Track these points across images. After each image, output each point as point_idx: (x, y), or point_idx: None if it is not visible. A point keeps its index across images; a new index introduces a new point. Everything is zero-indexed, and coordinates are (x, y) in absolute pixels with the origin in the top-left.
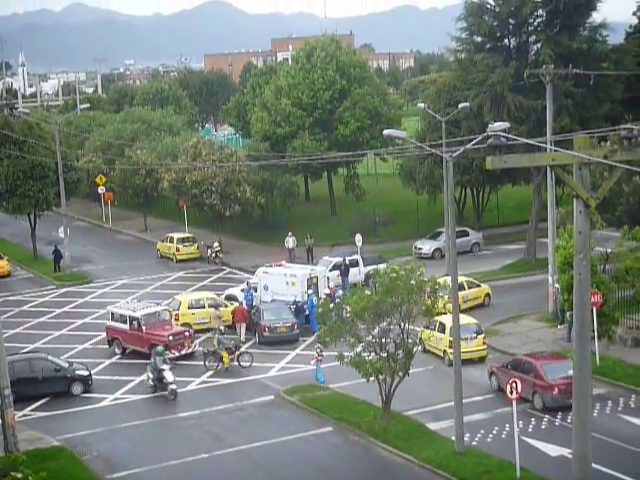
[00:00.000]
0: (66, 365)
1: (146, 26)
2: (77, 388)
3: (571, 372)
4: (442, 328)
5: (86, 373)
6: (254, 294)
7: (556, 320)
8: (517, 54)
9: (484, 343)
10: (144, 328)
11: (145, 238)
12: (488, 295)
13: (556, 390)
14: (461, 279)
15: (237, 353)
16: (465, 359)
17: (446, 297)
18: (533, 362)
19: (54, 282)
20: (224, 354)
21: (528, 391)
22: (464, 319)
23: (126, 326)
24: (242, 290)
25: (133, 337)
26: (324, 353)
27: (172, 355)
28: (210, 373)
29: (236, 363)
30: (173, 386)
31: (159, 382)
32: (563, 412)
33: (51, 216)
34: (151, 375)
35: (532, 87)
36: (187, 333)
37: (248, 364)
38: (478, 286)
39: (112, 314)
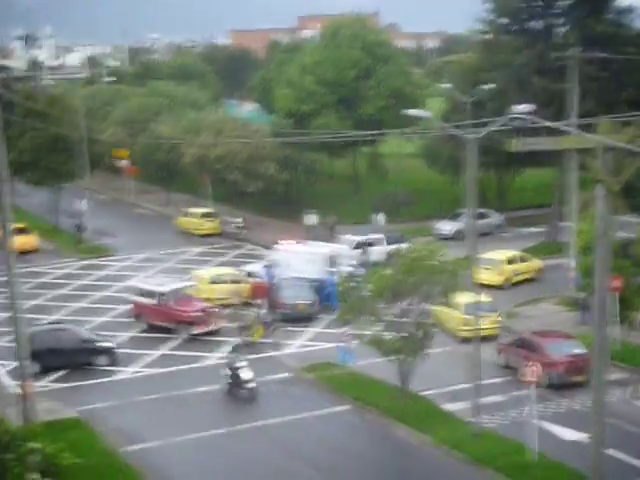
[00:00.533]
0: (92, 337)
1: (173, 0)
2: (102, 360)
3: (576, 350)
4: (455, 306)
5: (111, 345)
6: (275, 271)
7: (576, 304)
8: (543, 37)
9: (497, 322)
10: (170, 304)
11: (167, 212)
12: (540, 270)
13: (561, 368)
14: (514, 253)
15: (272, 328)
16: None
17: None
18: (539, 340)
19: (75, 255)
20: (259, 328)
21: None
22: (477, 297)
23: (153, 301)
24: (264, 267)
25: (159, 312)
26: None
27: (198, 331)
28: (229, 348)
29: (269, 340)
30: (251, 384)
31: (235, 380)
32: (568, 390)
33: (73, 189)
34: (228, 373)
35: (557, 70)
36: (213, 309)
37: (282, 340)
38: (530, 260)
39: (138, 289)
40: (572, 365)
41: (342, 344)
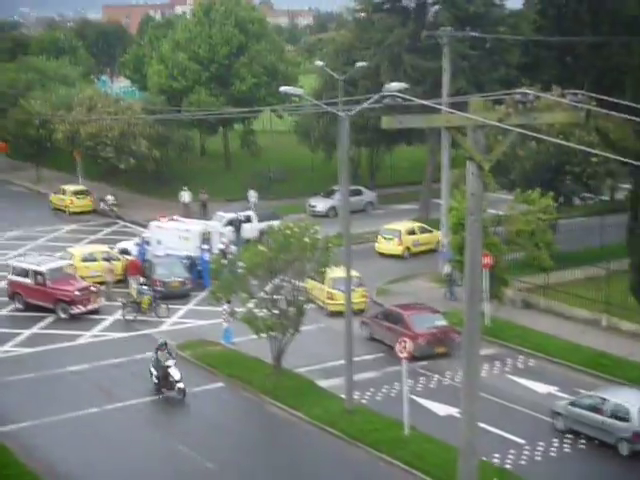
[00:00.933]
0: None
1: None
2: None
3: (438, 323)
4: (322, 279)
5: None
6: (147, 248)
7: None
8: (415, 15)
9: (364, 296)
10: (49, 283)
11: (38, 190)
12: (439, 241)
13: (422, 339)
14: (413, 225)
15: (153, 305)
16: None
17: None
18: (401, 312)
19: None
20: (145, 299)
21: (395, 340)
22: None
23: (29, 280)
24: (136, 244)
25: (37, 292)
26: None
27: (78, 310)
28: (101, 327)
29: (153, 314)
30: (181, 384)
31: (164, 380)
32: (427, 360)
33: None
34: (155, 372)
35: (429, 49)
36: (93, 288)
37: (165, 315)
38: (430, 232)
39: (14, 268)
40: (434, 337)
41: (226, 323)
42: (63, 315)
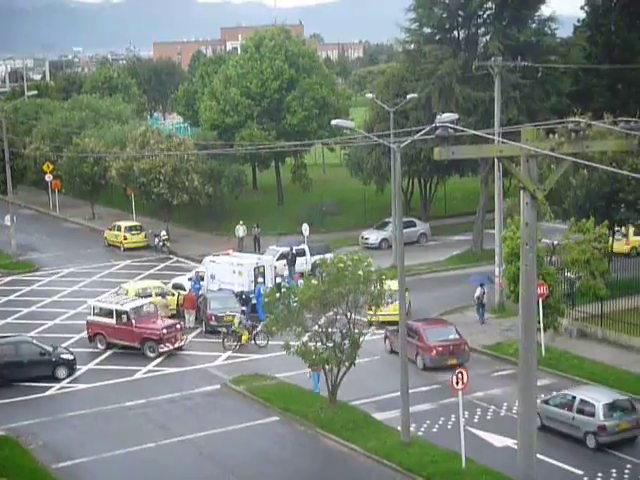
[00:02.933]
0: (51, 349)
1: (95, 12)
2: (62, 372)
3: (451, 336)
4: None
5: (71, 357)
6: (202, 283)
7: (502, 311)
8: (466, 46)
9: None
10: (134, 322)
11: (92, 226)
12: None
13: (434, 352)
14: None
15: (254, 332)
16: (382, 321)
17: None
18: (416, 326)
19: (0, 270)
20: (244, 332)
21: (412, 352)
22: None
23: (112, 320)
24: (190, 279)
25: (122, 332)
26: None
27: (166, 349)
28: (156, 362)
29: (252, 342)
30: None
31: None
32: (440, 372)
33: None
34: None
35: (480, 79)
36: (178, 325)
37: (264, 342)
38: None
39: (94, 308)
40: (445, 349)
41: (314, 371)
42: (151, 354)
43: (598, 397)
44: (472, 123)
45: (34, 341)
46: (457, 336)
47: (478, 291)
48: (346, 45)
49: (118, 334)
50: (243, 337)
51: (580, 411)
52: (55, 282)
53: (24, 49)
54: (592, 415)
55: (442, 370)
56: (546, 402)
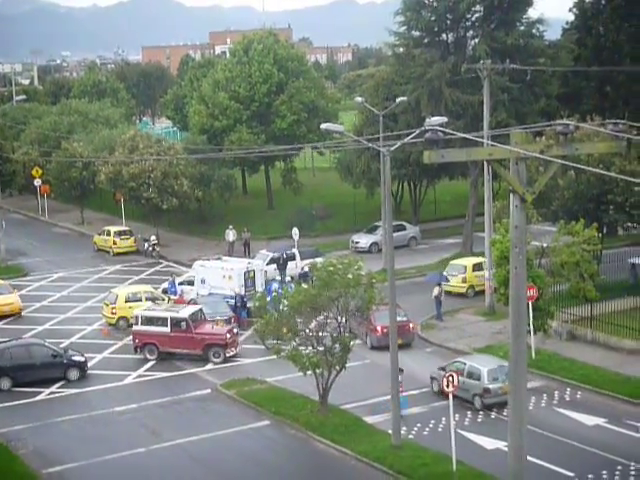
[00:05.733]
0: (62, 351)
1: (83, 17)
2: (73, 373)
3: (397, 318)
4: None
5: (82, 359)
6: (178, 287)
7: (493, 314)
8: (455, 49)
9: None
10: (194, 329)
11: (82, 231)
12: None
13: (379, 332)
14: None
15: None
16: None
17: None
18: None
19: None
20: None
21: (363, 334)
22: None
23: (166, 329)
24: (168, 282)
25: (179, 339)
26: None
27: (231, 353)
28: (147, 366)
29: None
30: None
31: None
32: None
33: None
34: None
35: (469, 82)
36: (235, 330)
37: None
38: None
39: (141, 318)
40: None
41: (402, 393)
42: (216, 360)
43: (484, 363)
44: (461, 126)
45: (46, 343)
46: (404, 318)
47: (436, 290)
48: (335, 49)
49: (174, 342)
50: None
51: (469, 376)
52: (45, 287)
53: (12, 54)
54: (478, 379)
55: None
56: (443, 369)
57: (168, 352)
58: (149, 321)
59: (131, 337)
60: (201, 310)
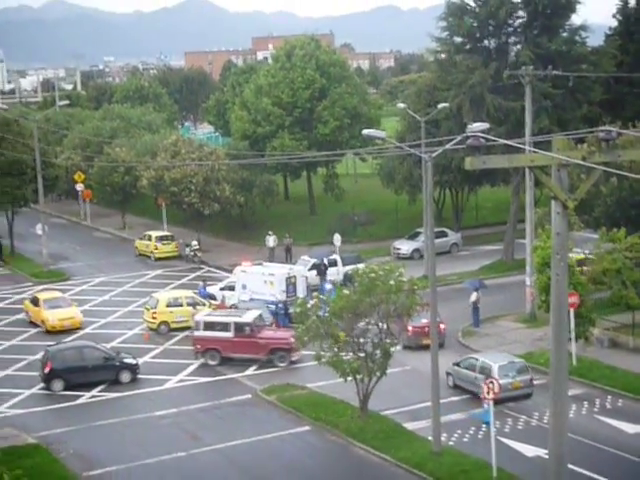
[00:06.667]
0: (114, 354)
1: (126, 23)
2: (126, 376)
3: (424, 320)
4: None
5: (134, 362)
6: (208, 292)
7: (533, 321)
8: (497, 55)
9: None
10: (259, 333)
11: (123, 236)
12: None
13: (410, 333)
14: None
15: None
16: None
17: None
18: None
19: (32, 279)
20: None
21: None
22: None
23: (229, 334)
24: (200, 287)
25: (244, 344)
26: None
27: (296, 357)
28: (187, 371)
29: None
30: None
31: None
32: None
33: (29, 213)
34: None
35: (511, 88)
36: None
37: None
38: None
39: (202, 323)
40: (421, 330)
41: (486, 405)
42: (281, 364)
43: (495, 359)
44: (503, 132)
45: (98, 346)
46: (428, 320)
47: (474, 296)
48: (377, 55)
49: (238, 347)
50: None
51: (481, 371)
52: (86, 291)
53: (56, 59)
54: (489, 375)
55: (420, 349)
56: (457, 365)
57: (230, 357)
58: (211, 326)
59: (192, 343)
60: (261, 315)
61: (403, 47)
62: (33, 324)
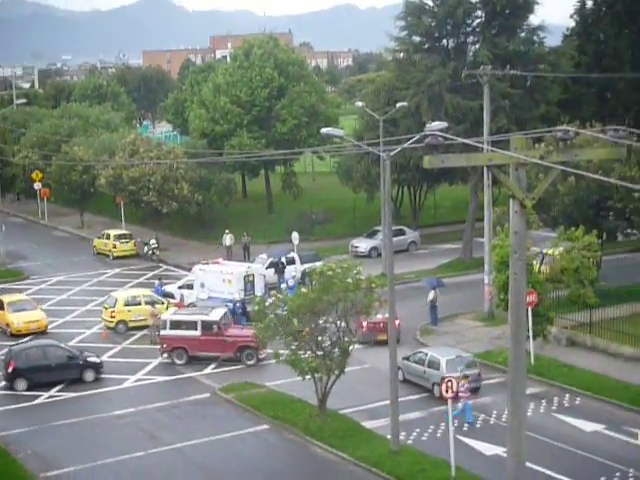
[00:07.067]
0: (78, 353)
1: (84, 21)
2: (89, 375)
3: (379, 316)
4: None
5: (98, 360)
6: (162, 290)
7: (491, 319)
8: (455, 55)
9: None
10: (225, 332)
11: (81, 235)
12: None
13: (366, 328)
14: None
15: None
16: None
17: None
18: None
19: None
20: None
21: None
22: None
23: (196, 332)
24: (156, 285)
25: (211, 343)
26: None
27: (263, 355)
28: (146, 370)
29: None
30: None
31: None
32: (472, 400)
33: None
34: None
35: (470, 87)
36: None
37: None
38: None
39: (169, 322)
40: (375, 327)
41: (466, 401)
42: (250, 362)
43: (444, 354)
44: (462, 131)
45: (62, 345)
46: (385, 316)
47: (431, 294)
48: (335, 54)
49: (205, 346)
50: None
51: (430, 365)
52: (44, 290)
53: (13, 57)
54: (437, 368)
55: (376, 346)
56: (407, 359)
57: (197, 356)
58: (177, 325)
59: (159, 342)
60: (226, 313)
61: (361, 46)
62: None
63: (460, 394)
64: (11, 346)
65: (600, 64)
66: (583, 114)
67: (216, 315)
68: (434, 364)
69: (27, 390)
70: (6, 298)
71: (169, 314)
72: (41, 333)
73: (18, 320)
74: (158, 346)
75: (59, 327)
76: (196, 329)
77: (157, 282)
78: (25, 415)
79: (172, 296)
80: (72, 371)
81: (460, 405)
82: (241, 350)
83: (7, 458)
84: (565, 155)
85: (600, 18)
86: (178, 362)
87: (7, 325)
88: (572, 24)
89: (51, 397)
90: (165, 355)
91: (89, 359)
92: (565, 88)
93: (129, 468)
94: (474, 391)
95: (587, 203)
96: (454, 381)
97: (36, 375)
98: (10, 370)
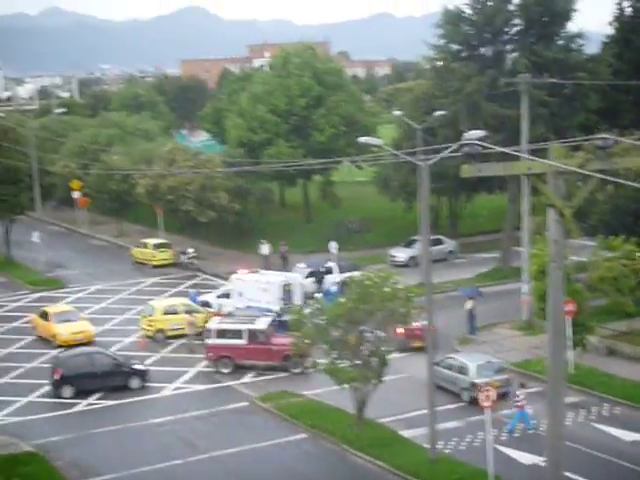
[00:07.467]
0: (124, 360)
1: (123, 31)
2: (135, 382)
3: (415, 324)
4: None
5: (143, 368)
6: (199, 299)
7: (530, 329)
8: (493, 63)
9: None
10: (272, 340)
11: (119, 243)
12: None
13: (403, 336)
14: None
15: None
16: None
17: None
18: None
19: (28, 287)
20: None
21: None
22: None
23: (243, 341)
24: (191, 294)
25: (257, 351)
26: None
27: (309, 365)
28: (183, 379)
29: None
30: None
31: None
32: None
33: (26, 221)
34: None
35: (508, 96)
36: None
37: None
38: None
39: (215, 331)
40: (410, 333)
41: (525, 409)
42: (296, 370)
43: (473, 359)
44: (500, 140)
45: (108, 352)
46: (420, 324)
47: (469, 304)
48: (373, 63)
49: (251, 354)
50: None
51: (459, 371)
52: (83, 299)
53: (53, 67)
54: (466, 374)
55: (414, 354)
56: (437, 364)
57: (243, 365)
58: (223, 334)
59: (205, 351)
60: (273, 322)
61: (399, 55)
62: (41, 339)
63: (518, 403)
64: (58, 353)
65: (639, 71)
66: (622, 122)
67: (263, 324)
68: (463, 370)
69: (73, 397)
70: (51, 309)
71: (215, 323)
72: (87, 344)
73: (65, 331)
74: (196, 355)
75: (98, 335)
76: (242, 338)
77: (193, 291)
78: (64, 423)
79: (207, 305)
80: (118, 378)
81: (510, 412)
82: (287, 359)
83: (46, 465)
84: (604, 163)
85: (639, 25)
86: (224, 371)
87: (53, 336)
88: (610, 31)
89: (90, 405)
90: (211, 364)
91: (135, 366)
92: (604, 96)
93: (167, 476)
94: (503, 396)
95: (626, 211)
96: (493, 390)
97: (82, 382)
98: (57, 377)
